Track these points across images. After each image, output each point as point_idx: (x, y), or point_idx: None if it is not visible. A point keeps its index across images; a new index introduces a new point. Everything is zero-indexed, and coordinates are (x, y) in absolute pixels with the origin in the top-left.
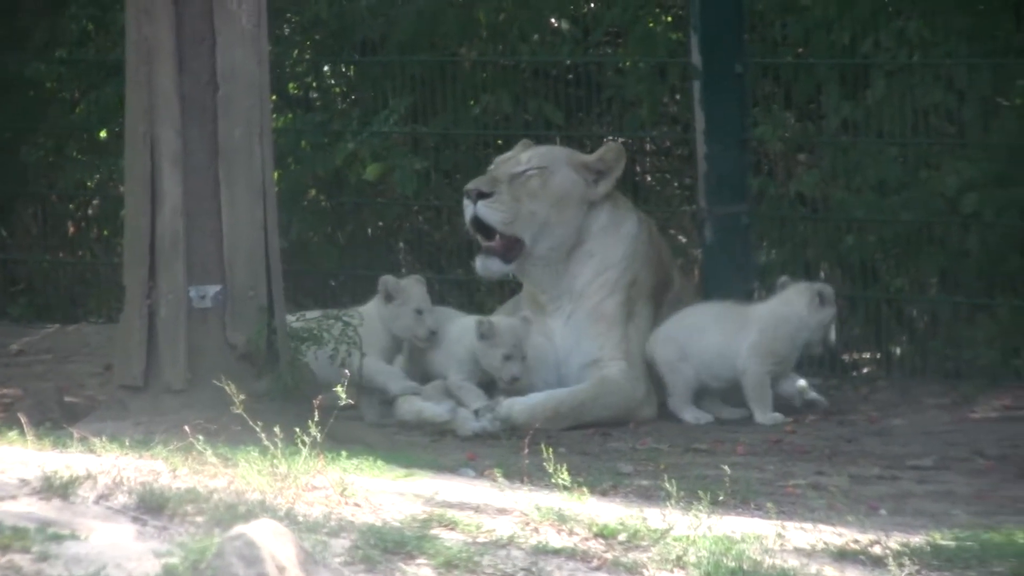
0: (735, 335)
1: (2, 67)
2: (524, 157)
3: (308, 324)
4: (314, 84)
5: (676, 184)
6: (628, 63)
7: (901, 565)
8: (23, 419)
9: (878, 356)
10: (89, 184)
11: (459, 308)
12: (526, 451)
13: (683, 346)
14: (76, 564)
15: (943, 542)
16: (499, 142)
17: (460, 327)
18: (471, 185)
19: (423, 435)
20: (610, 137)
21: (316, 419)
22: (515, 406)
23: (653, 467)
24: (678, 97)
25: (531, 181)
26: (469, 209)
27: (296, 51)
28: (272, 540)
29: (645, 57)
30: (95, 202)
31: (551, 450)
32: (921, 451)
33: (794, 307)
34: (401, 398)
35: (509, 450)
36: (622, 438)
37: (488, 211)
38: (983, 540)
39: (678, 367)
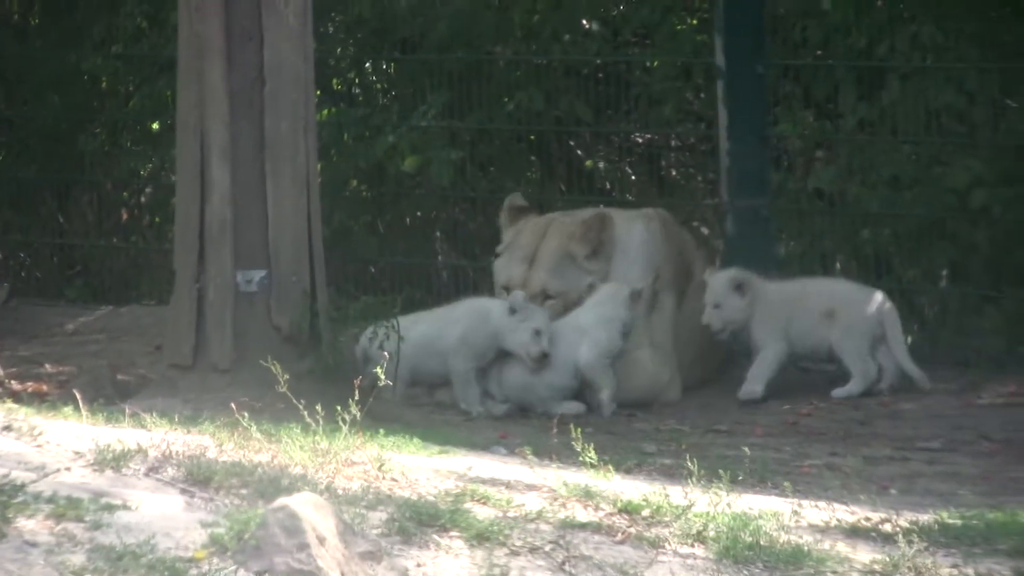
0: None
1: (61, 62)
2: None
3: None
4: (356, 80)
5: (700, 178)
6: (655, 63)
7: (910, 542)
8: (78, 395)
9: None
10: (142, 173)
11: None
12: (554, 431)
13: None
14: (127, 532)
15: (950, 521)
16: (531, 137)
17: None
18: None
19: (457, 415)
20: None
21: (356, 398)
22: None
23: (675, 447)
24: (702, 95)
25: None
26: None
27: (340, 48)
28: (313, 512)
29: (671, 56)
30: (147, 190)
31: (579, 430)
32: (930, 434)
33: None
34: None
35: (539, 430)
36: (646, 419)
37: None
38: (988, 519)
39: None
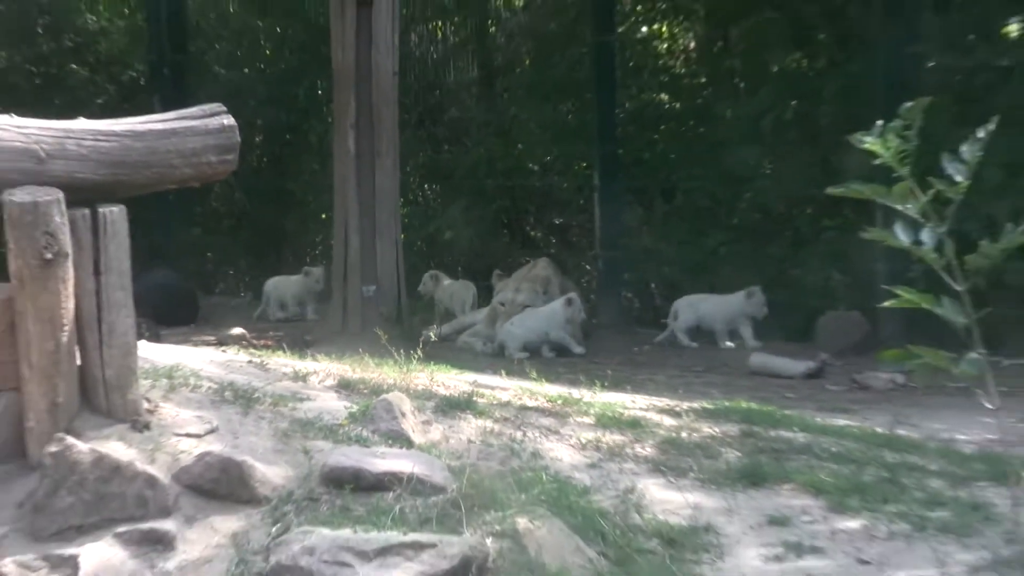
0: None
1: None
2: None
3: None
4: None
5: (585, 240)
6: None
7: (689, 415)
8: (285, 346)
9: None
10: (318, 239)
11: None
12: (515, 364)
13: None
14: (309, 412)
15: (708, 406)
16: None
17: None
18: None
19: (473, 355)
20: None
21: (420, 347)
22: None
23: (576, 371)
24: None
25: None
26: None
27: None
28: (398, 400)
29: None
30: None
31: (528, 365)
32: (700, 365)
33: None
34: (464, 337)
35: (509, 363)
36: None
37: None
38: (726, 405)
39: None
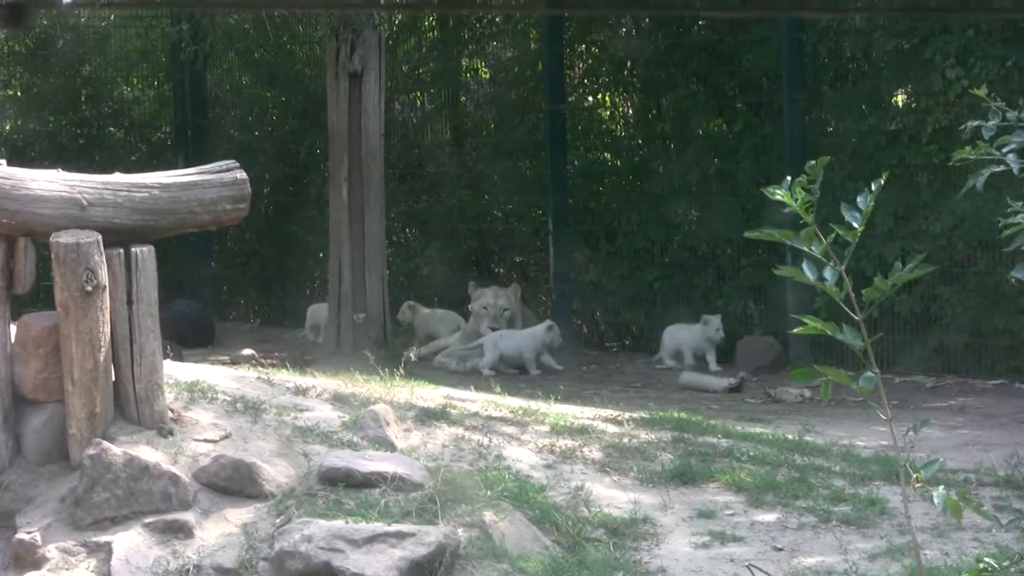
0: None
1: None
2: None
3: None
4: None
5: (542, 275)
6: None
7: (628, 424)
8: (288, 365)
9: None
10: (316, 273)
11: None
12: (483, 379)
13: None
14: (308, 420)
15: (645, 415)
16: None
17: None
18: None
19: (447, 373)
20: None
21: (402, 366)
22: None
23: (538, 388)
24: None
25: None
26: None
27: None
28: (384, 411)
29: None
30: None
31: (493, 381)
32: (639, 381)
33: (535, 330)
34: (439, 357)
35: (478, 379)
36: (529, 377)
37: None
38: (661, 415)
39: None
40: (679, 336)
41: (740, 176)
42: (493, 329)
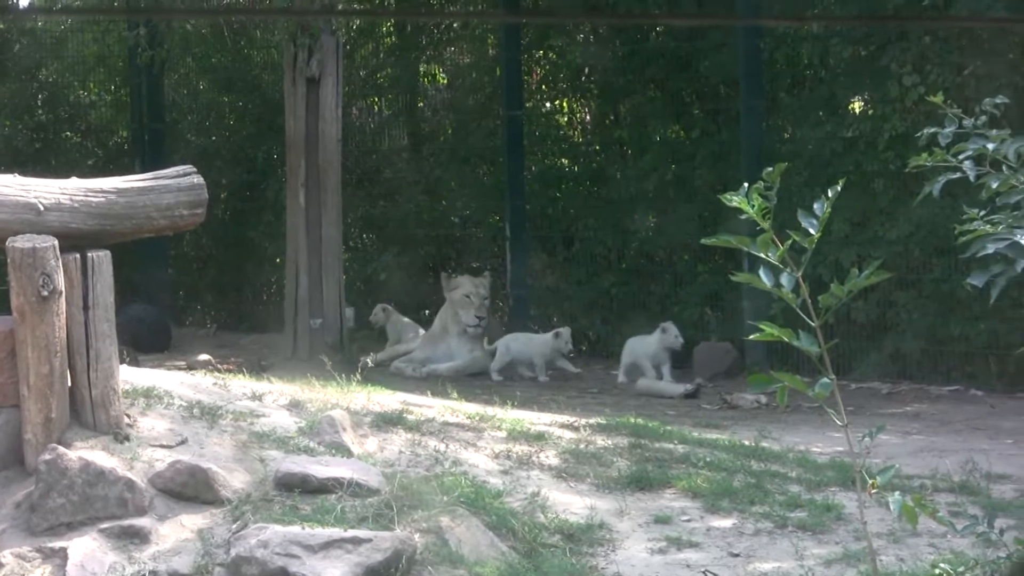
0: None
1: None
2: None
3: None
4: None
5: (501, 280)
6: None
7: (585, 430)
8: (244, 370)
9: None
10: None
11: None
12: (439, 386)
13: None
14: (265, 426)
15: (602, 421)
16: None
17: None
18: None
19: (403, 379)
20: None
21: (359, 372)
22: (441, 368)
23: (495, 394)
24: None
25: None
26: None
27: None
28: (340, 416)
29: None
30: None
31: (450, 386)
32: (595, 387)
33: (545, 337)
34: (396, 363)
35: (435, 385)
36: (485, 383)
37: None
38: (618, 420)
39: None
40: (638, 350)
41: (697, 182)
42: (479, 318)
